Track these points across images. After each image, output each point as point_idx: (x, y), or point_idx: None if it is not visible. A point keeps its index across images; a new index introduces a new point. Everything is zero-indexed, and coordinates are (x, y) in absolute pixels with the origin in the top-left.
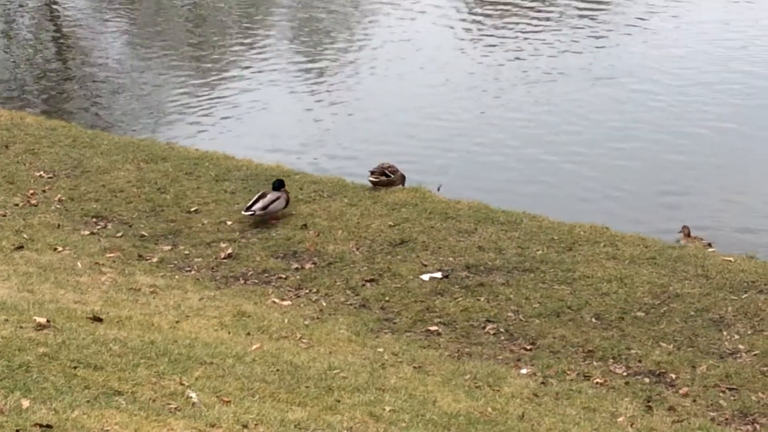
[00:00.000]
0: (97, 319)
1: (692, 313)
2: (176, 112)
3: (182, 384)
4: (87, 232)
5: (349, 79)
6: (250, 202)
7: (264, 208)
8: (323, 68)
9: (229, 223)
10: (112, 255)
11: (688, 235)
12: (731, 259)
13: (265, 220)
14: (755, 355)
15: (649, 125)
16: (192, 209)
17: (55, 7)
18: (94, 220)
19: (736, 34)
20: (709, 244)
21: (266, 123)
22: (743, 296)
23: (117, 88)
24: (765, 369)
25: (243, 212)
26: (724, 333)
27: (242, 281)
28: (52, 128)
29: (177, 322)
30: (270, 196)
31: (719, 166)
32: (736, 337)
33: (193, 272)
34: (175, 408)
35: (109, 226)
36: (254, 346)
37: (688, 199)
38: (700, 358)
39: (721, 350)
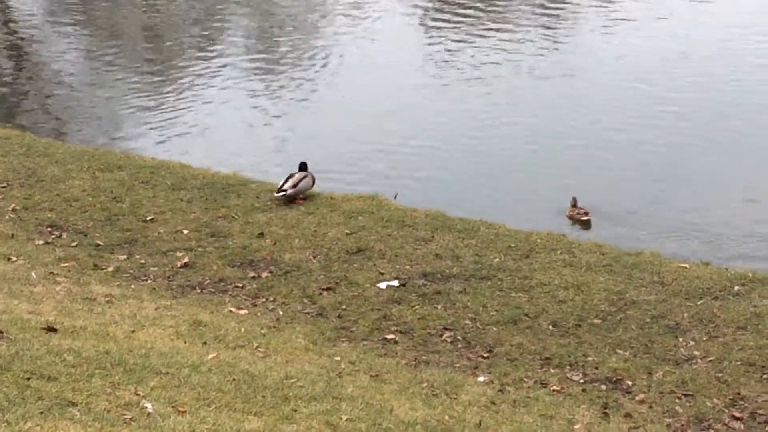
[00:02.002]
0: (52, 330)
1: (648, 319)
2: (132, 120)
3: (137, 394)
4: (41, 242)
5: (305, 89)
6: (281, 184)
7: (294, 186)
8: (279, 78)
9: (185, 232)
10: (66, 264)
11: (574, 205)
12: (687, 265)
13: (291, 200)
14: (710, 361)
15: (606, 127)
16: (148, 218)
17: (9, 17)
18: (49, 229)
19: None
20: (586, 213)
21: (223, 132)
22: (699, 303)
23: (72, 98)
24: (720, 375)
25: (275, 194)
26: (680, 339)
27: (198, 290)
28: (5, 137)
29: (132, 331)
30: (298, 176)
31: (679, 177)
32: (692, 343)
33: (149, 281)
34: (130, 419)
35: (64, 235)
36: (210, 356)
37: (647, 204)
38: (656, 364)
39: (677, 357)
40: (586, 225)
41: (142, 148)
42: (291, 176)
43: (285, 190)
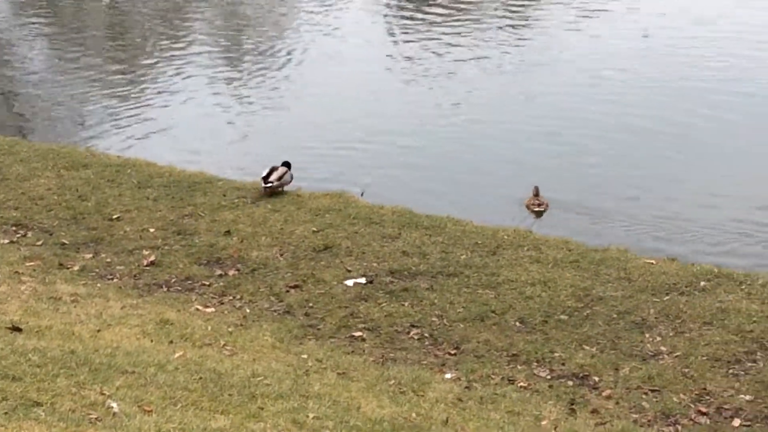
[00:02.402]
0: (16, 329)
1: (615, 315)
2: (97, 119)
3: (103, 394)
4: (6, 241)
5: (270, 86)
6: (265, 175)
7: (279, 178)
8: (244, 75)
9: (151, 230)
10: (32, 263)
11: (536, 195)
12: (653, 261)
13: (276, 192)
14: (677, 356)
15: (572, 122)
16: (114, 216)
17: None
18: (14, 228)
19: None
20: (540, 204)
21: (189, 129)
22: (665, 298)
23: (37, 96)
24: (686, 370)
25: (263, 186)
26: (647, 335)
27: (165, 289)
28: None
29: (98, 330)
30: (281, 169)
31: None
32: (658, 339)
33: (115, 280)
34: (96, 418)
35: (29, 234)
36: (177, 354)
37: (613, 198)
38: (622, 360)
39: (644, 352)
40: (538, 215)
41: (107, 146)
42: (274, 169)
43: (271, 182)
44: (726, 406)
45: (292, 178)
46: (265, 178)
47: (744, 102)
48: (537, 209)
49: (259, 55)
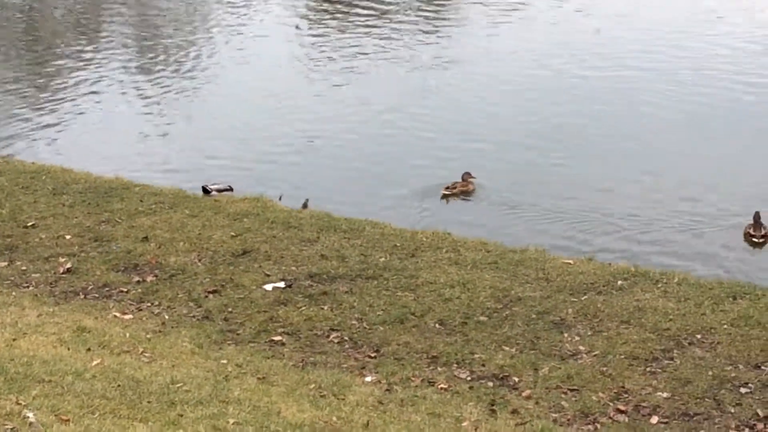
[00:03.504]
0: None
1: (534, 316)
2: (11, 125)
3: (19, 403)
4: None
5: (189, 91)
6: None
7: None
8: (162, 80)
9: (68, 237)
10: None
11: (468, 178)
12: (571, 261)
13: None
14: (595, 355)
15: (492, 118)
16: (29, 224)
17: None
18: None
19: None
20: (453, 187)
21: (105, 135)
22: (583, 298)
23: None
24: (605, 369)
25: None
26: (565, 335)
27: (82, 296)
28: None
29: (14, 339)
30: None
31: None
32: (577, 338)
33: (30, 288)
34: (11, 429)
35: None
36: (95, 362)
37: (529, 195)
38: (542, 360)
39: (563, 352)
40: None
41: (21, 152)
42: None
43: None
44: (644, 404)
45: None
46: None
47: (672, 100)
48: (443, 191)
49: (174, 60)
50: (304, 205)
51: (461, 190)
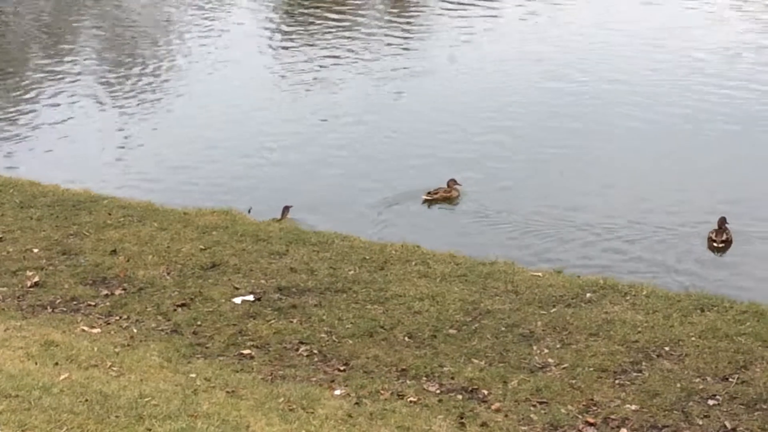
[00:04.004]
0: None
1: (503, 328)
2: None
3: None
4: None
5: (158, 103)
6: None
7: None
8: (131, 92)
9: (35, 250)
10: None
11: (453, 185)
12: (540, 274)
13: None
14: (564, 368)
15: (454, 127)
16: None
17: None
18: None
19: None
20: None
21: (73, 148)
22: (552, 310)
23: None
24: (574, 381)
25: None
26: (534, 347)
27: (50, 310)
28: None
29: None
30: None
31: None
32: (546, 351)
33: None
34: None
35: None
36: (62, 377)
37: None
38: (511, 373)
39: (532, 365)
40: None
41: None
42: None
43: None
44: (613, 416)
45: None
46: None
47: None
48: (425, 196)
49: (146, 76)
50: (249, 211)
51: (443, 196)
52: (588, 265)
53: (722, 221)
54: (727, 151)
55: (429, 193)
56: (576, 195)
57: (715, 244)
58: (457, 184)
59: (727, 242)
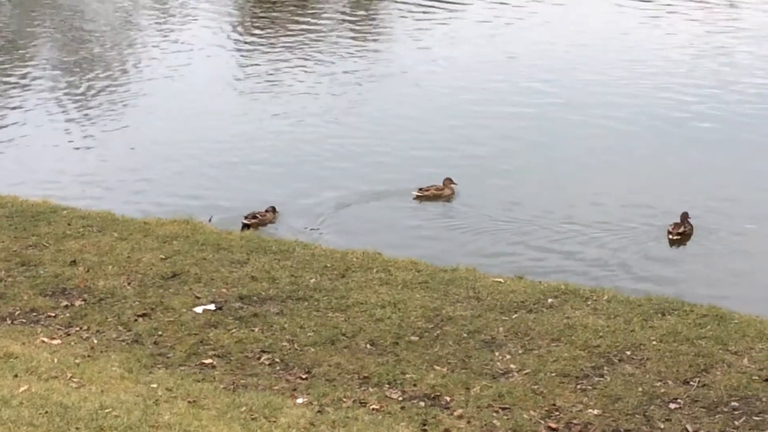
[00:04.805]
0: None
1: (465, 335)
2: None
3: None
4: None
5: (117, 111)
6: None
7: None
8: (90, 101)
9: None
10: None
11: (449, 184)
12: (501, 280)
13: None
14: (526, 374)
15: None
16: None
17: None
18: None
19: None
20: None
21: (31, 157)
22: (513, 316)
23: None
24: (536, 387)
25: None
26: (496, 353)
27: (9, 321)
28: None
29: None
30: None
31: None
32: (508, 357)
33: None
34: None
35: None
36: (22, 389)
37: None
38: (473, 379)
39: (494, 371)
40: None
41: None
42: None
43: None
44: (575, 421)
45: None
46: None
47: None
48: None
49: (105, 84)
50: (209, 220)
51: (434, 193)
52: (548, 267)
53: (684, 216)
54: (689, 153)
55: (421, 189)
56: (538, 199)
57: (671, 236)
58: (453, 183)
59: (684, 235)
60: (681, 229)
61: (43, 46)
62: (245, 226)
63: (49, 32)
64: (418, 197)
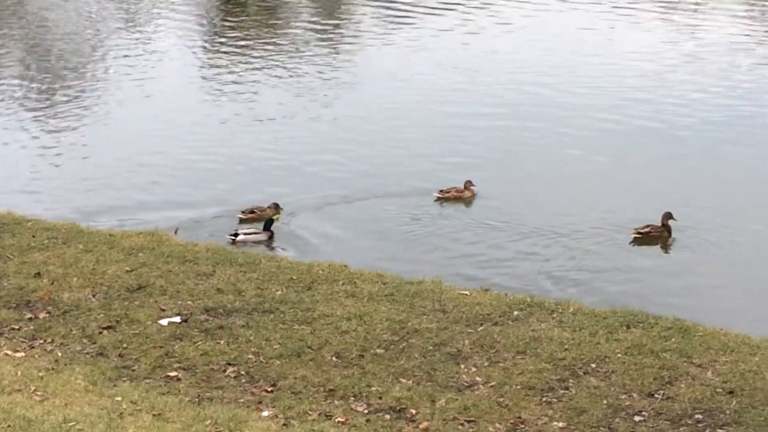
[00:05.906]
0: None
1: (431, 347)
2: None
3: None
4: None
5: (83, 122)
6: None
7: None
8: (55, 110)
9: None
10: None
11: (469, 186)
12: (467, 292)
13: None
14: (492, 386)
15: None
16: None
17: None
18: None
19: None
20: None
21: None
22: (479, 329)
23: None
24: (501, 399)
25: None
26: (462, 366)
27: None
28: None
29: None
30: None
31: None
32: (474, 369)
33: None
34: None
35: None
36: None
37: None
38: (439, 392)
39: (459, 383)
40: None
41: None
42: None
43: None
44: None
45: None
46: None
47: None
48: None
49: (70, 93)
50: (175, 232)
51: (455, 195)
52: (514, 276)
53: (667, 215)
54: (664, 163)
55: (442, 191)
56: (505, 213)
57: (632, 234)
58: (473, 185)
59: (647, 235)
60: (644, 229)
61: (6, 56)
62: (439, 199)
63: (13, 41)
64: (438, 199)
